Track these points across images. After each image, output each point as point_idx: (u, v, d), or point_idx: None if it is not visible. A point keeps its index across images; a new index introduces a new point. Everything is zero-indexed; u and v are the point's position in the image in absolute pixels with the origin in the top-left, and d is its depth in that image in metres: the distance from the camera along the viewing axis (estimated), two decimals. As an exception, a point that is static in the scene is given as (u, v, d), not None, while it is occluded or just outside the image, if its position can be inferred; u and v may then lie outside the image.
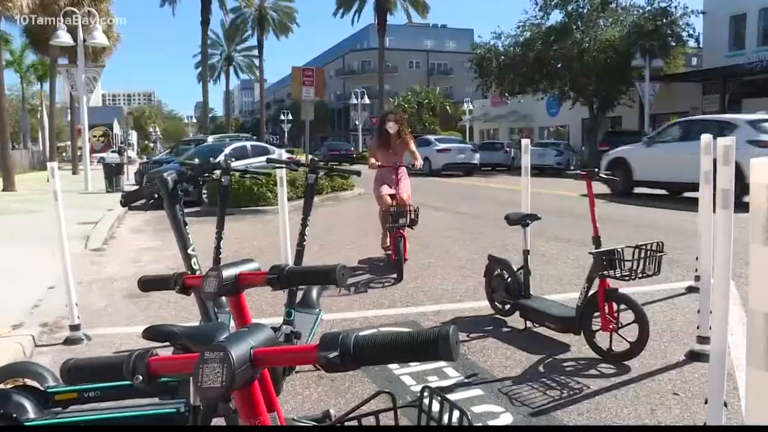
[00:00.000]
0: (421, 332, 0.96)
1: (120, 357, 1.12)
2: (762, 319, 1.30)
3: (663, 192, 15.35)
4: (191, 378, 0.98)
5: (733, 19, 30.65)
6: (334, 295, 6.00)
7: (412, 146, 7.74)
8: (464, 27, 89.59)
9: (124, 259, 8.52)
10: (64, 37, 18.76)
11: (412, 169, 7.84)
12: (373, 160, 7.51)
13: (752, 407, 1.33)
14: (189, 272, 3.38)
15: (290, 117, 54.43)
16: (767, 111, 15.55)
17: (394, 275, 6.80)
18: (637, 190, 15.64)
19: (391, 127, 7.49)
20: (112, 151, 33.14)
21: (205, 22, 49.96)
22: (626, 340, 4.23)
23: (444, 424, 1.39)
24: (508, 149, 32.51)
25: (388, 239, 7.48)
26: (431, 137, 30.30)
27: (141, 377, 1.08)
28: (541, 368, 4.21)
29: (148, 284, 1.84)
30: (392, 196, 7.34)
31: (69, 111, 32.66)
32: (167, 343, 1.92)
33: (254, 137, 39.95)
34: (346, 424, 1.37)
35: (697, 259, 5.12)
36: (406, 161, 7.81)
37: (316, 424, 1.63)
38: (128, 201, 3.79)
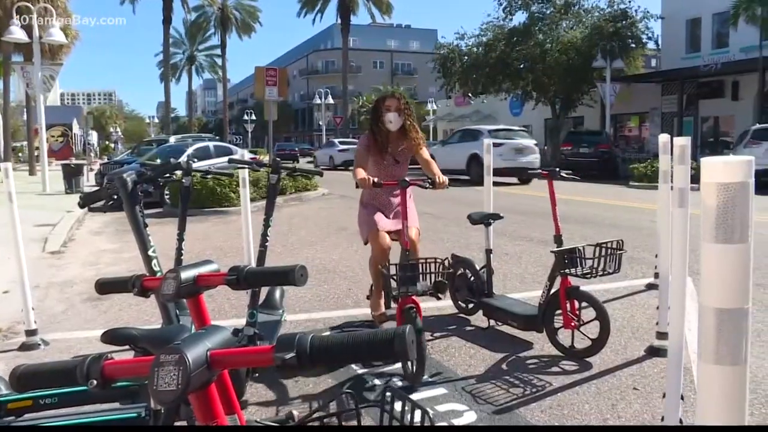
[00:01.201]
0: (377, 332, 0.96)
1: (74, 361, 1.10)
2: (712, 314, 1.33)
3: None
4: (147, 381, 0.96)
5: (689, 23, 31.37)
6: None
7: (426, 152, 4.79)
8: (428, 27, 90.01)
9: (84, 261, 8.36)
10: (17, 33, 18.21)
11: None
12: (361, 173, 4.33)
13: (703, 400, 1.36)
14: (149, 274, 3.33)
15: (254, 117, 54.07)
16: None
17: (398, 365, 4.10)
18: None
19: (392, 120, 4.61)
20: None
21: (166, 21, 49.29)
22: (588, 337, 4.29)
23: (406, 424, 1.39)
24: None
25: (382, 302, 4.80)
26: (335, 140, 37.53)
27: (95, 381, 1.06)
28: (504, 366, 4.25)
29: (106, 287, 1.80)
30: (393, 233, 4.62)
31: (25, 110, 31.89)
32: (127, 347, 1.89)
33: (217, 137, 39.60)
34: (309, 425, 1.36)
35: (656, 256, 5.22)
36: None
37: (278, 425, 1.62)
38: (87, 202, 3.72)
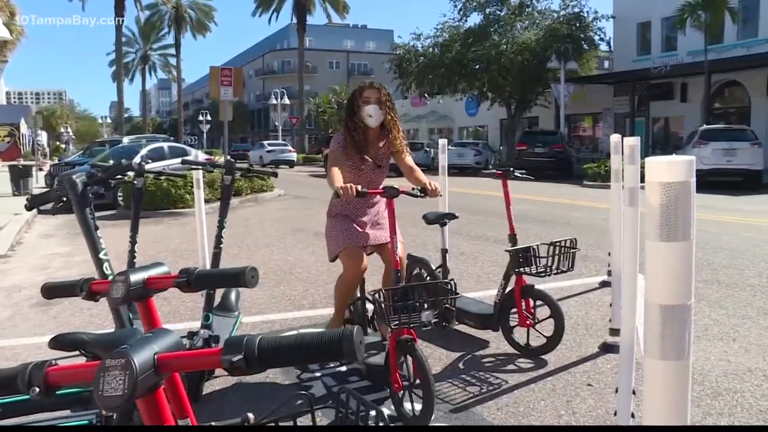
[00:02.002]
0: (325, 333, 0.96)
1: (15, 369, 1.06)
2: (656, 311, 1.36)
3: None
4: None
5: (639, 26, 32.12)
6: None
7: (409, 157, 4.16)
8: (384, 28, 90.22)
9: (33, 265, 8.15)
10: (-43, 29, 17.65)
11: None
12: (340, 180, 3.65)
13: (649, 394, 1.39)
14: (100, 278, 3.26)
15: (209, 118, 53.36)
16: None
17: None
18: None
19: (372, 114, 3.94)
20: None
21: (118, 19, 48.38)
22: (543, 335, 4.36)
23: (361, 424, 1.39)
24: (427, 149, 32.90)
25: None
26: (264, 142, 40.06)
27: (38, 389, 1.02)
28: (461, 365, 4.28)
29: (52, 291, 1.76)
30: (377, 248, 4.07)
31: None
32: (77, 353, 1.84)
33: (172, 138, 39.03)
34: (264, 425, 1.36)
35: (609, 254, 5.31)
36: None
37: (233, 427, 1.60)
38: (34, 204, 3.62)
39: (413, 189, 3.71)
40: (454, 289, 3.38)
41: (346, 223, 4.02)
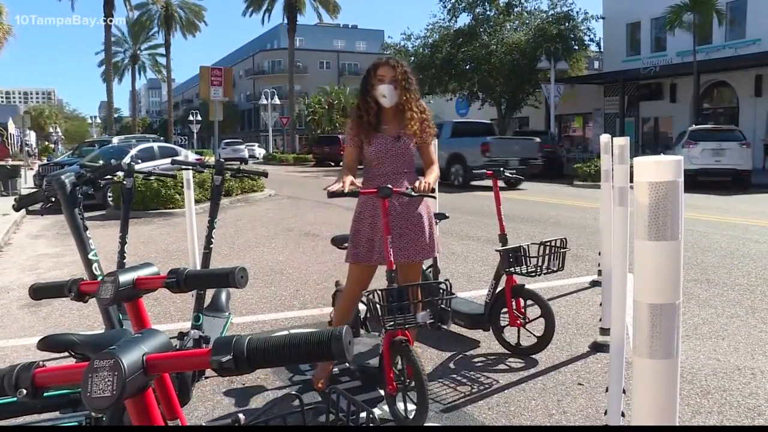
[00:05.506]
0: (314, 333, 0.96)
1: (1, 371, 1.05)
2: (645, 310, 1.37)
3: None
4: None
5: (629, 27, 32.28)
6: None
7: (431, 148, 3.74)
8: (375, 28, 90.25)
9: (22, 266, 8.10)
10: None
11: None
12: (336, 185, 3.40)
13: (638, 392, 1.40)
14: (89, 278, 3.24)
15: (199, 117, 53.22)
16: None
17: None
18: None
19: (386, 94, 3.54)
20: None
21: (108, 18, 48.09)
22: (533, 334, 4.37)
23: (351, 424, 1.40)
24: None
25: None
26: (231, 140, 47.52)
27: (25, 391, 1.01)
28: (451, 365, 4.28)
29: (41, 292, 1.75)
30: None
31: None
32: (66, 354, 1.83)
33: (162, 138, 38.93)
34: (254, 425, 1.35)
35: (599, 254, 5.33)
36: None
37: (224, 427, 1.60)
38: (22, 205, 3.60)
39: (407, 188, 3.47)
40: (449, 289, 3.29)
41: (365, 231, 3.66)
